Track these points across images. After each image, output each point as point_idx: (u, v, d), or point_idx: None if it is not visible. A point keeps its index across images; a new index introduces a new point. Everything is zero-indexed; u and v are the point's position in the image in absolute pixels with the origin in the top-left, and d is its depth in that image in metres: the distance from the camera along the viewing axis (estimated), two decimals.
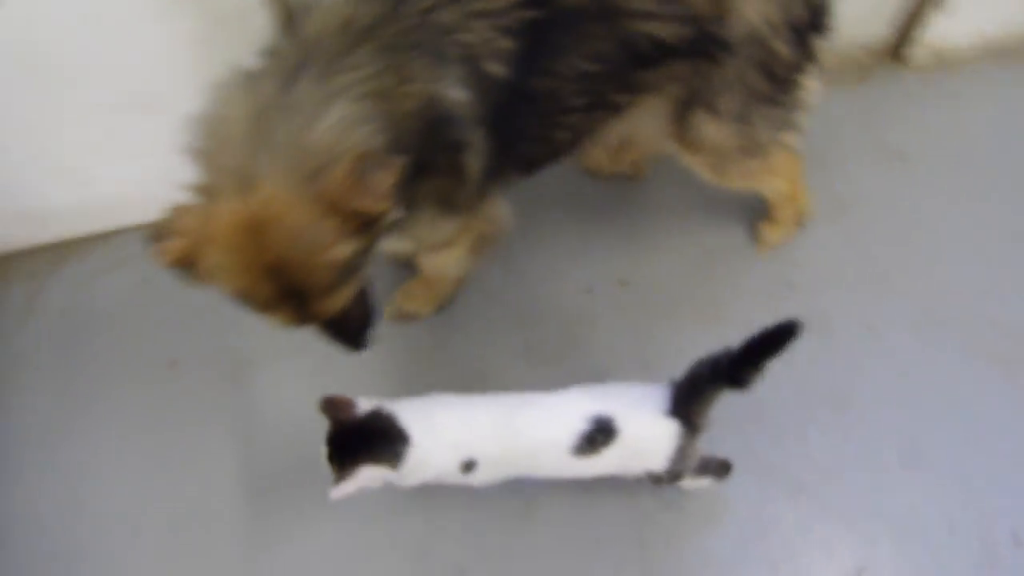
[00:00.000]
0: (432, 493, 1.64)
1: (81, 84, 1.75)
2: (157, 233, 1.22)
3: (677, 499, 1.77)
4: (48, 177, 1.95)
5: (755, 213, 2.06)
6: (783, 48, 1.49)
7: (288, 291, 1.25)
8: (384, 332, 1.64)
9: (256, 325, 1.38)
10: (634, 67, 1.46)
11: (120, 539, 1.79)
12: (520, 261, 2.05)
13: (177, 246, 1.21)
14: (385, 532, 1.78)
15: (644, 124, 1.64)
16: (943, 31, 2.22)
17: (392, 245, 1.56)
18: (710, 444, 1.59)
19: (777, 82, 1.55)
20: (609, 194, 2.13)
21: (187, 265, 1.23)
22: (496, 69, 1.34)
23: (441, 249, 1.69)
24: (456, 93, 1.33)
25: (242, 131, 1.20)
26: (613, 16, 1.38)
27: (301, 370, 1.94)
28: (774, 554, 1.73)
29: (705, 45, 1.45)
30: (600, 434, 1.47)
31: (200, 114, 1.24)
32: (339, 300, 1.31)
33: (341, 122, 1.21)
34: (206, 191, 1.22)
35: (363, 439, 1.43)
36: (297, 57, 1.24)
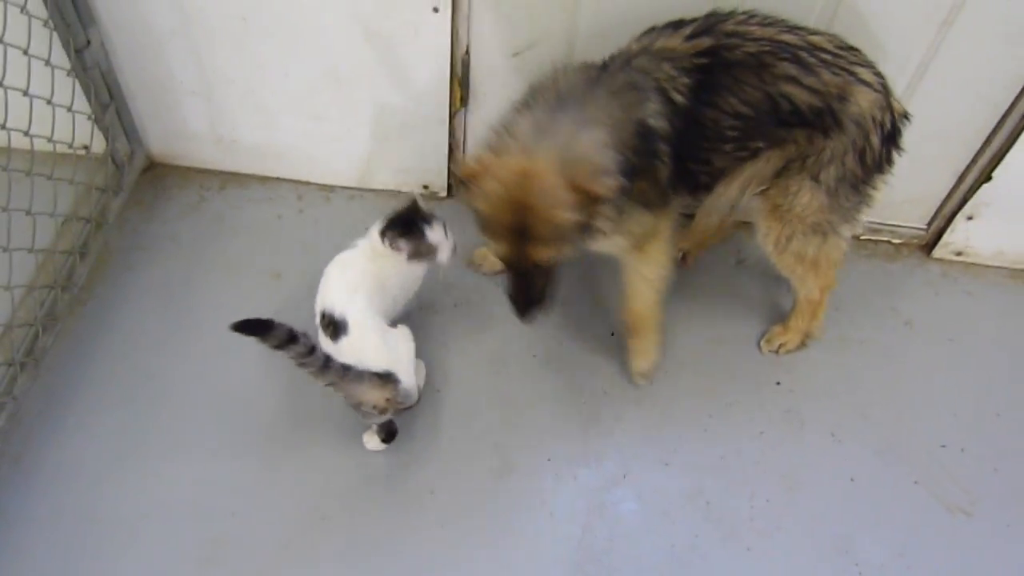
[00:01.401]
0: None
1: (297, 49, 2.35)
2: (463, 161, 1.90)
3: None
4: (247, 114, 2.54)
5: (767, 318, 2.47)
6: (876, 141, 1.93)
7: (519, 227, 1.74)
8: None
9: None
10: (772, 120, 1.91)
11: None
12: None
13: (471, 167, 1.76)
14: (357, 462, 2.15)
15: (759, 175, 2.05)
16: (969, 239, 2.64)
17: (604, 246, 2.02)
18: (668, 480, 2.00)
19: (865, 170, 1.96)
20: None
21: (470, 181, 1.76)
22: (679, 98, 1.87)
23: (645, 243, 2.07)
24: (655, 117, 1.85)
25: (528, 130, 1.75)
26: (765, 72, 1.86)
27: None
28: None
29: (825, 117, 1.89)
30: None
31: (499, 122, 1.85)
32: (547, 253, 1.79)
33: (591, 142, 1.74)
34: (499, 151, 1.77)
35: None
36: (557, 96, 1.82)
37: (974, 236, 2.64)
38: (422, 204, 2.11)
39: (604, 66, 1.91)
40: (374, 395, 1.93)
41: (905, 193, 2.49)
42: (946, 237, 2.66)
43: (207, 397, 2.23)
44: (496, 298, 2.39)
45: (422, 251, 2.08)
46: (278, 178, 2.73)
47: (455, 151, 2.60)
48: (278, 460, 2.14)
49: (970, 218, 2.58)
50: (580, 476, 2.16)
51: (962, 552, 2.11)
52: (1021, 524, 2.16)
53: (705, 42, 1.87)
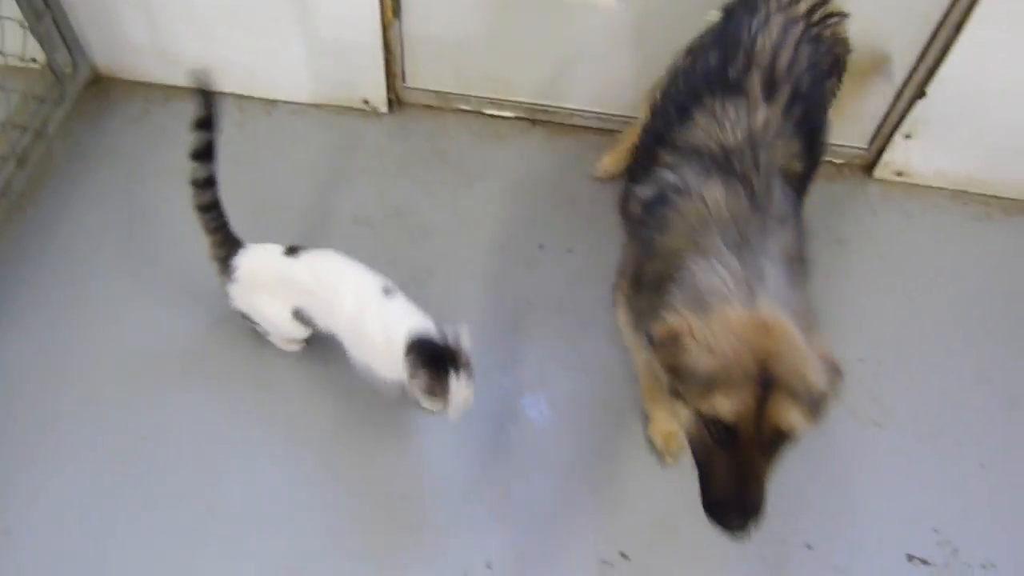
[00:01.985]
0: None
1: None
2: (662, 322, 1.48)
3: None
4: (186, 26, 2.56)
5: None
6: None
7: (764, 376, 1.35)
8: None
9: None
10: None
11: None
12: None
13: (672, 325, 1.44)
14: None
15: None
16: (910, 159, 2.63)
17: None
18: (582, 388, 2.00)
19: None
20: None
21: (673, 339, 1.43)
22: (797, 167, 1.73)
23: None
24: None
25: (727, 280, 1.47)
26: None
27: None
28: None
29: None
30: None
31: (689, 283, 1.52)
32: (797, 415, 1.36)
33: (801, 297, 1.53)
34: (699, 307, 1.45)
35: None
36: (734, 232, 1.54)
37: (914, 156, 2.62)
38: (467, 343, 1.82)
39: (732, 168, 1.64)
40: None
41: (845, 111, 2.48)
42: (886, 157, 2.64)
43: (144, 307, 2.30)
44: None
45: (435, 393, 1.80)
46: (220, 92, 2.74)
47: (391, 64, 2.61)
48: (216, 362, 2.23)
49: (908, 137, 2.56)
50: (496, 381, 2.22)
51: (871, 463, 2.15)
52: (930, 437, 2.20)
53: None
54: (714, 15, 1.99)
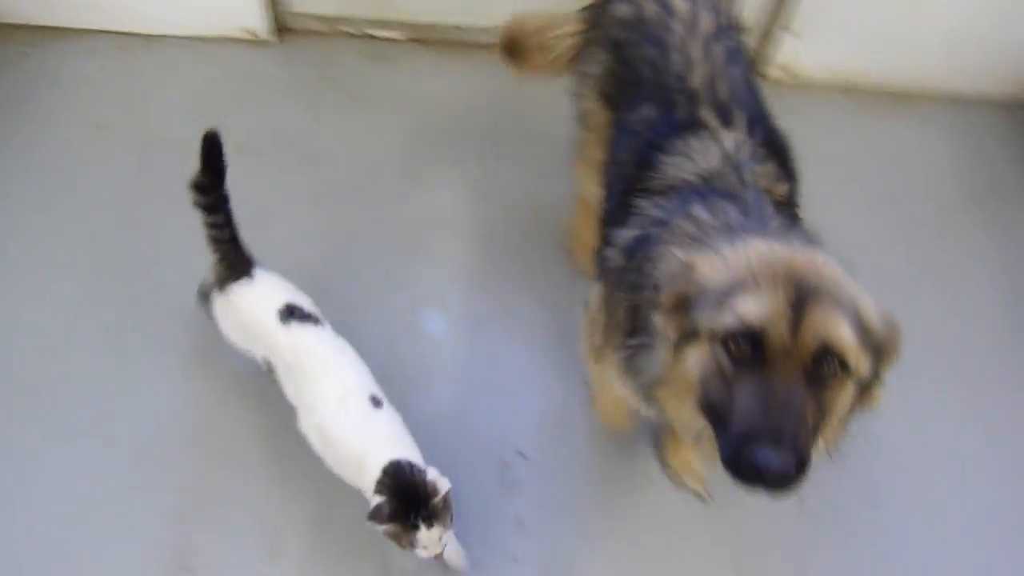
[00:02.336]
0: None
1: None
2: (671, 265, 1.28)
3: None
4: None
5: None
6: None
7: (798, 291, 1.13)
8: None
9: None
10: None
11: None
12: None
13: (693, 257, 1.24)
14: None
15: None
16: (798, 56, 2.66)
17: None
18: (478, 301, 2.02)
19: None
20: None
21: (692, 266, 1.23)
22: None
23: None
24: None
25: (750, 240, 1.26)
26: None
27: None
28: None
29: None
30: None
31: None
32: (838, 325, 1.11)
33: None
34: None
35: None
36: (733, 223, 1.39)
37: (801, 53, 2.66)
38: (449, 499, 1.58)
39: (717, 190, 1.49)
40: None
41: None
42: (772, 54, 2.68)
43: (21, 249, 2.26)
44: None
45: (398, 538, 1.58)
46: (99, 30, 2.68)
47: None
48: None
49: (791, 32, 2.59)
50: (392, 298, 2.25)
51: None
52: None
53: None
54: None
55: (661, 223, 1.46)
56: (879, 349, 1.18)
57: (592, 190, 1.96)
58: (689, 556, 1.92)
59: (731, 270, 1.18)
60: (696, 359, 1.20)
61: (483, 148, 2.52)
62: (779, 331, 1.11)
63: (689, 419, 1.28)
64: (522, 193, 2.46)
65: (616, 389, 1.58)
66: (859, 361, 1.14)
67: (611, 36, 1.81)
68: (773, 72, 2.72)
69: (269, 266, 1.86)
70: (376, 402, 1.73)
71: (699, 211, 1.41)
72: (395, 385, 2.10)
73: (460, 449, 2.03)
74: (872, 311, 1.18)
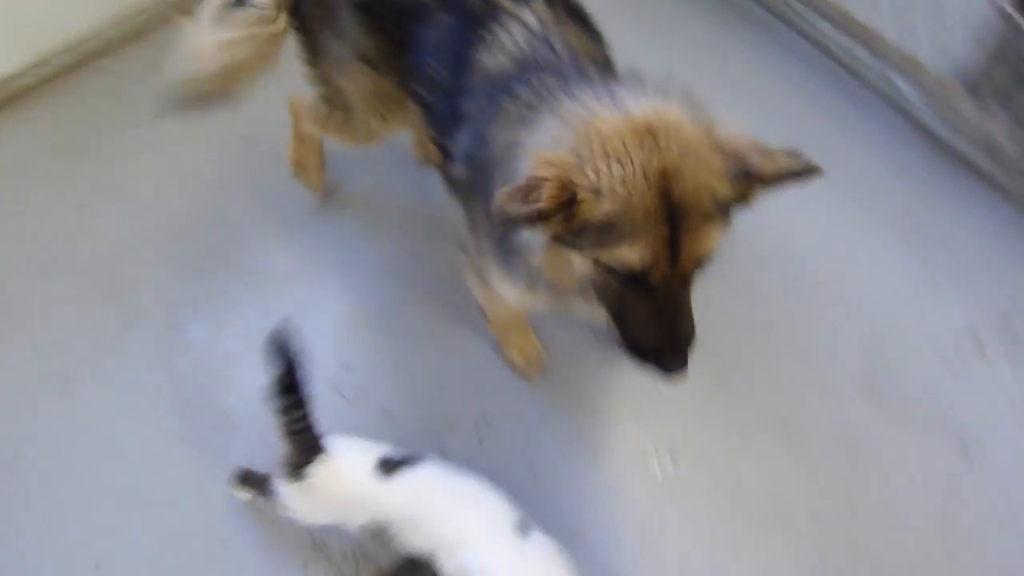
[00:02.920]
0: None
1: None
2: (535, 173, 1.23)
3: None
4: None
5: None
6: None
7: (669, 207, 1.19)
8: None
9: None
10: None
11: None
12: None
13: (548, 168, 1.21)
14: None
15: None
16: None
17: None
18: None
19: None
20: None
21: (565, 199, 1.21)
22: None
23: None
24: None
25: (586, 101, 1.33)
26: None
27: None
28: None
29: None
30: None
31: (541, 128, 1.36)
32: (714, 236, 1.23)
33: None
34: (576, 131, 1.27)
35: None
36: (571, 91, 1.39)
37: None
38: None
39: (534, 68, 1.52)
40: None
41: None
42: None
43: None
44: None
45: None
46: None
47: None
48: None
49: None
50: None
51: None
52: None
53: None
54: None
55: (488, 118, 1.49)
56: (747, 172, 1.24)
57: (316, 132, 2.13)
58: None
59: (607, 187, 1.20)
60: (579, 265, 1.30)
61: None
62: (661, 269, 1.22)
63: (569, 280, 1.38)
64: None
65: (511, 300, 1.69)
66: (724, 231, 1.26)
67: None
68: None
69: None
70: (524, 526, 1.59)
71: (522, 91, 1.44)
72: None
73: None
74: (722, 180, 1.23)
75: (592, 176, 1.21)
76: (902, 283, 2.34)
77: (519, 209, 1.19)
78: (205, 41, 1.81)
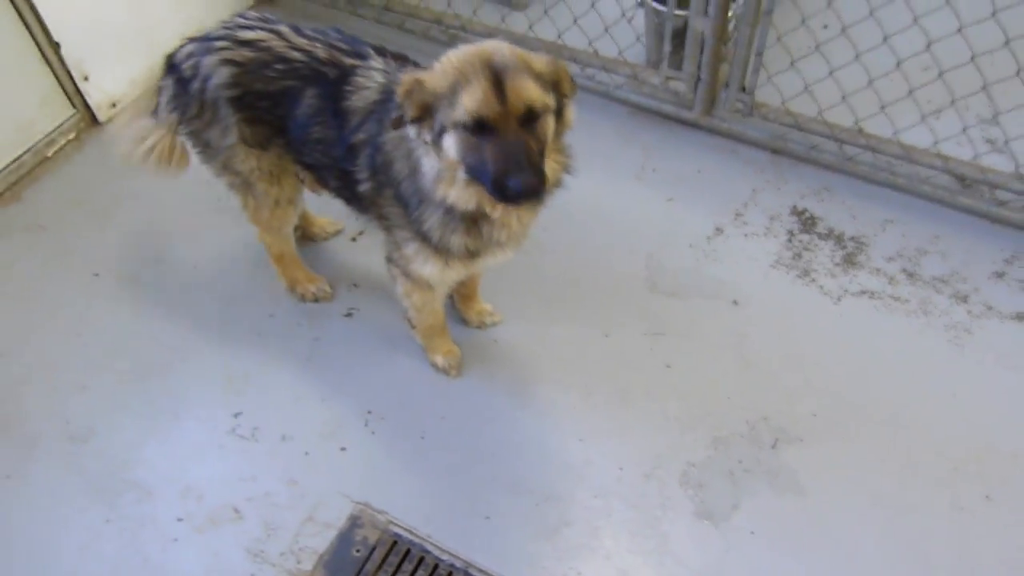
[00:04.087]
0: None
1: None
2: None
3: None
4: None
5: None
6: None
7: (495, 73, 1.68)
8: None
9: None
10: None
11: None
12: None
13: (410, 78, 1.77)
14: None
15: None
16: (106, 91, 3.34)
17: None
18: None
19: None
20: None
21: (414, 87, 1.75)
22: None
23: None
24: None
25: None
26: None
27: None
28: None
29: None
30: None
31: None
32: (535, 91, 1.71)
33: None
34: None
35: None
36: None
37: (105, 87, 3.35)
38: None
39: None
40: None
41: None
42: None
43: None
44: None
45: None
46: None
47: None
48: None
49: (86, 79, 3.25)
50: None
51: None
52: None
53: None
54: None
55: (378, 132, 2.00)
56: (556, 84, 1.80)
57: (283, 242, 2.61)
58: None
59: (446, 75, 1.73)
60: (451, 144, 1.77)
61: None
62: (494, 108, 1.69)
63: (469, 193, 1.88)
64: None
65: (435, 277, 2.16)
66: (546, 100, 1.76)
67: (224, 96, 2.16)
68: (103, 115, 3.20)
69: None
70: None
71: (392, 106, 1.93)
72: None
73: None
74: (541, 63, 1.78)
75: (437, 71, 1.76)
76: (653, 210, 3.00)
77: (399, 114, 1.79)
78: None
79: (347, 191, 2.25)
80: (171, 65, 2.24)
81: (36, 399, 2.57)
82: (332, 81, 2.09)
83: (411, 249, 2.11)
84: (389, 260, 2.30)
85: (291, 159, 2.31)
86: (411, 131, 1.87)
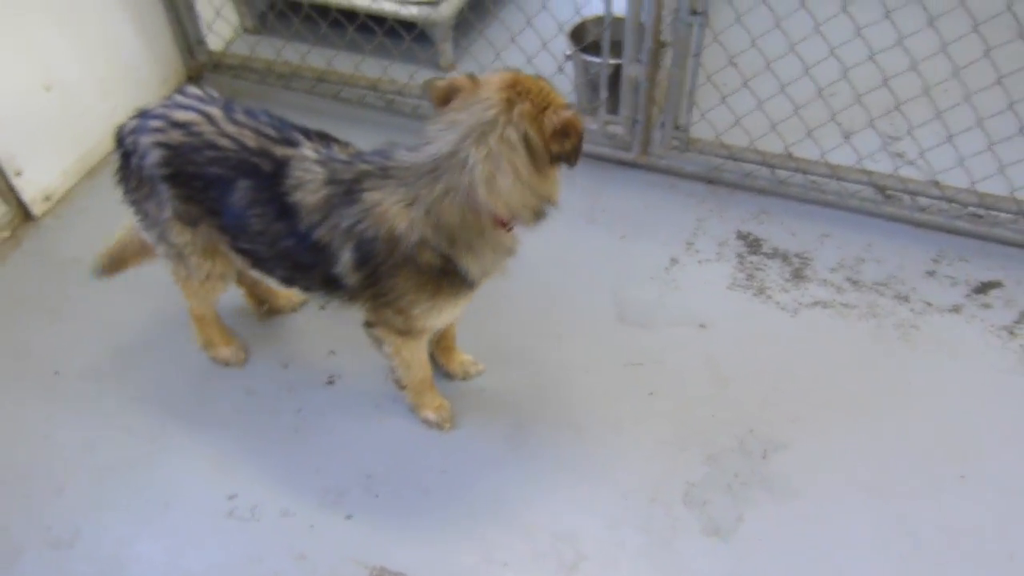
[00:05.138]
0: None
1: None
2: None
3: None
4: None
5: None
6: None
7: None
8: None
9: None
10: None
11: None
12: None
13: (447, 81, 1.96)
14: None
15: None
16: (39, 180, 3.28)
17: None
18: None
19: None
20: None
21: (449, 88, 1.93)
22: None
23: None
24: None
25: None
26: None
27: None
28: None
29: None
30: None
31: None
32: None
33: None
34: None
35: None
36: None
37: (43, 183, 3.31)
38: None
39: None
40: None
41: None
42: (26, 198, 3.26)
43: None
44: None
45: None
46: None
47: None
48: None
49: (19, 175, 3.18)
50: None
51: None
52: None
53: None
54: None
55: (360, 217, 1.99)
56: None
57: (206, 306, 2.63)
58: None
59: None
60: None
61: None
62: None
63: None
64: None
65: (438, 324, 2.28)
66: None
67: (159, 174, 2.18)
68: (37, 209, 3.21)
69: None
70: None
71: (361, 192, 2.01)
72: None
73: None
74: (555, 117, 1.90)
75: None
76: (609, 247, 3.13)
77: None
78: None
79: (304, 281, 2.27)
80: (118, 139, 2.28)
81: (11, 508, 2.43)
82: (267, 175, 2.10)
83: (421, 308, 2.14)
84: (371, 325, 2.31)
85: (224, 242, 2.30)
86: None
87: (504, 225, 2.02)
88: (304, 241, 2.10)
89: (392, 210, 1.97)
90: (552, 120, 1.88)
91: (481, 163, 1.88)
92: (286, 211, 2.09)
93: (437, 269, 2.05)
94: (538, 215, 2.06)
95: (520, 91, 1.90)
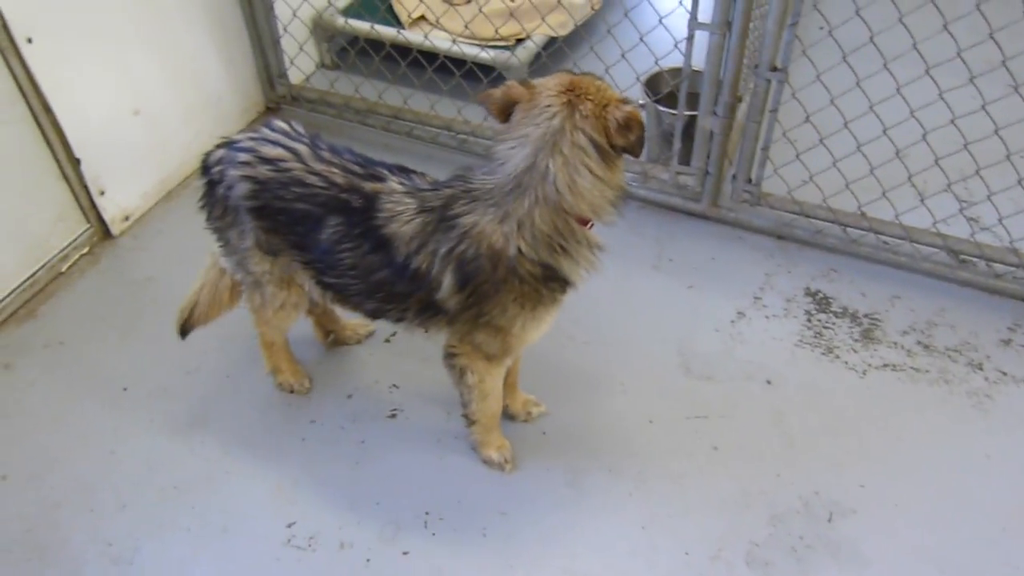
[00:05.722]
0: None
1: None
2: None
3: None
4: None
5: None
6: None
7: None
8: None
9: None
10: None
11: None
12: None
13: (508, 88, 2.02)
14: None
15: None
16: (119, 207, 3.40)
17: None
18: None
19: None
20: None
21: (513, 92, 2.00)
22: None
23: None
24: None
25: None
26: None
27: None
28: None
29: None
30: None
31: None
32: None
33: None
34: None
35: None
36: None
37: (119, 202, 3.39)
38: None
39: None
40: None
41: None
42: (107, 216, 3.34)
43: None
44: None
45: None
46: None
47: None
48: None
49: (103, 193, 3.28)
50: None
51: None
52: None
53: None
54: None
55: (458, 241, 2.03)
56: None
57: (278, 334, 2.68)
58: None
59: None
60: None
61: None
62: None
63: None
64: None
65: (533, 338, 2.25)
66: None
67: (244, 206, 2.23)
68: (117, 228, 3.40)
69: None
70: None
71: (453, 217, 2.06)
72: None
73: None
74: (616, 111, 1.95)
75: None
76: (675, 297, 3.12)
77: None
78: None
79: (397, 311, 2.28)
80: (204, 167, 2.34)
81: (74, 522, 2.46)
82: (358, 210, 2.15)
83: (522, 321, 2.15)
84: (453, 355, 2.32)
85: (308, 275, 2.35)
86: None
87: (586, 223, 2.06)
88: (402, 271, 2.13)
89: (488, 228, 2.01)
90: (615, 116, 1.94)
91: (560, 171, 1.94)
92: (381, 244, 2.13)
93: (537, 279, 2.07)
94: (616, 207, 2.08)
95: (579, 92, 1.96)
